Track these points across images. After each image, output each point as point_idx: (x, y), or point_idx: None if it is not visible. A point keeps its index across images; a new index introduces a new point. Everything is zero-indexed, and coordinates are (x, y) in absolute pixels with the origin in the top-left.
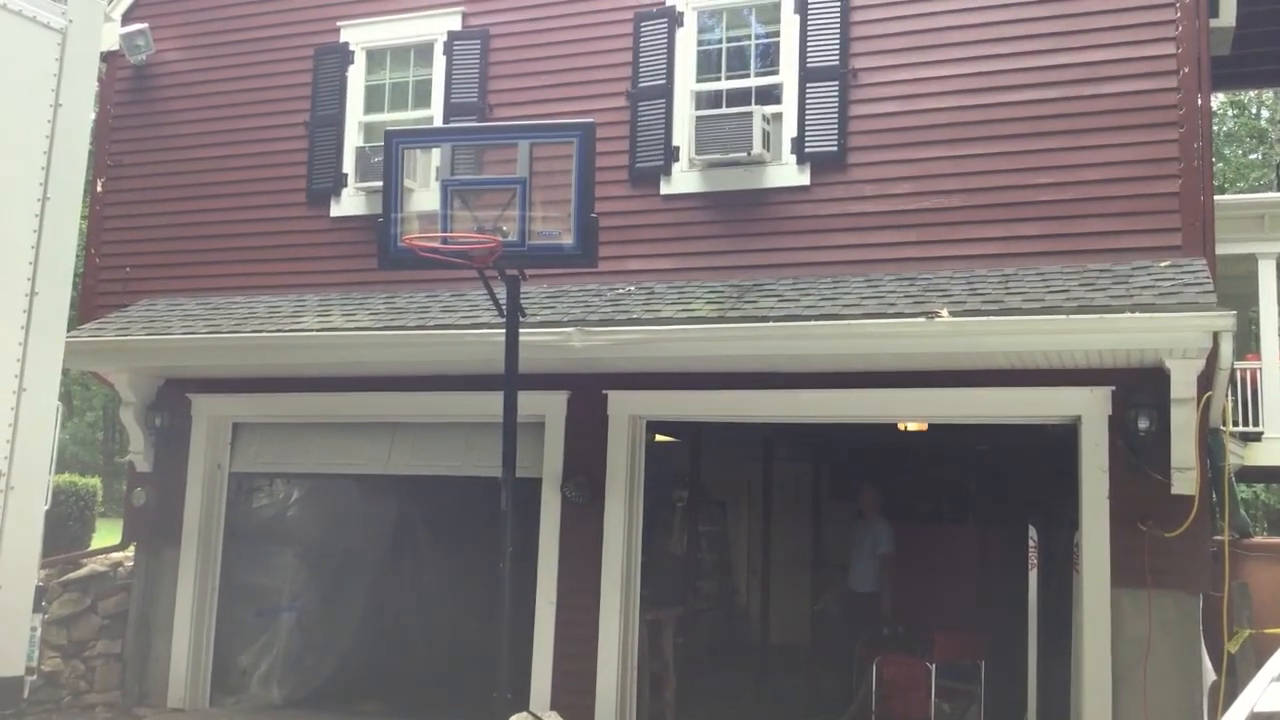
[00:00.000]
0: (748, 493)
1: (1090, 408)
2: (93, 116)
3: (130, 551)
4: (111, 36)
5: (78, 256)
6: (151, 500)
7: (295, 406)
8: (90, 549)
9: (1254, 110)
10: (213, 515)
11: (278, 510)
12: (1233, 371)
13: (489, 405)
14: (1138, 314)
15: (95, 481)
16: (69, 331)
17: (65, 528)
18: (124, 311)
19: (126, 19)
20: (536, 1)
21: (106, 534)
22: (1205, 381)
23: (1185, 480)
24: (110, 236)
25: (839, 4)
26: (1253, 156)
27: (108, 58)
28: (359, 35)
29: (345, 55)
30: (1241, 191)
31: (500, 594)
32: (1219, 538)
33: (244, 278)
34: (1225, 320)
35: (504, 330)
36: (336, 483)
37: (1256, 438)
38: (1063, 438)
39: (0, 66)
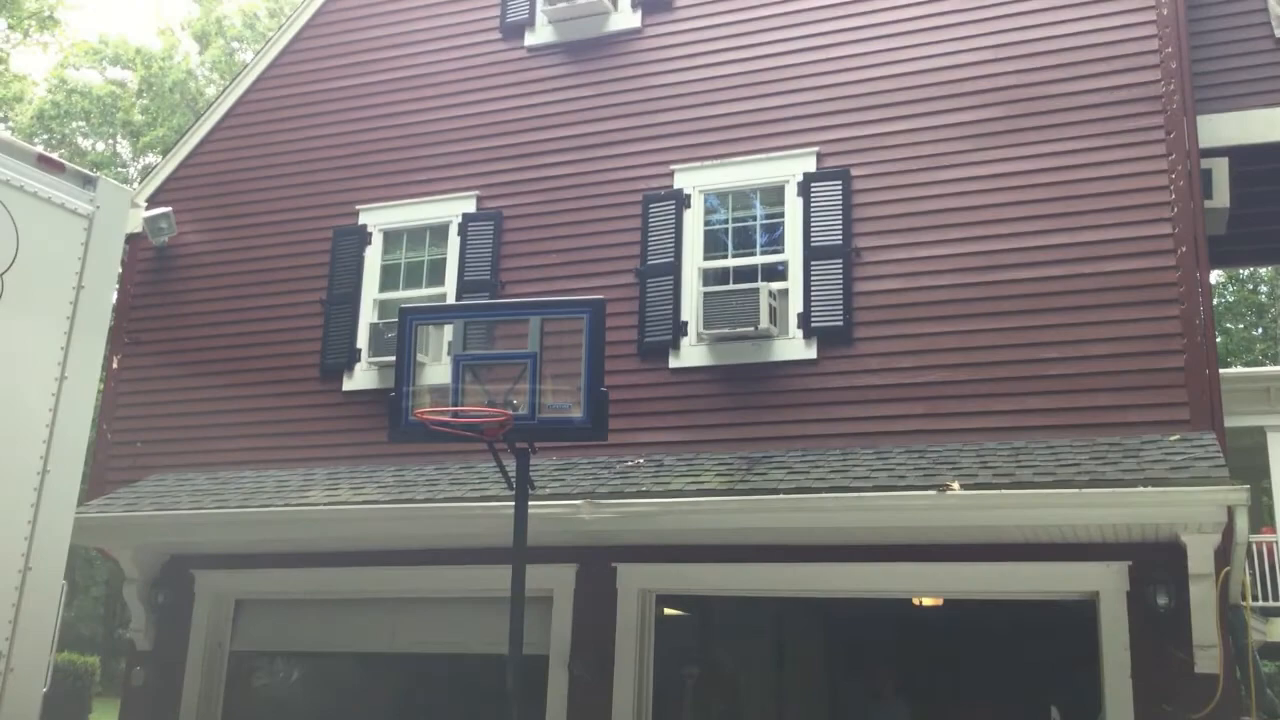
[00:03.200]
0: (760, 669)
1: (1108, 583)
2: (114, 297)
3: None
4: (136, 219)
5: (90, 432)
6: (150, 680)
7: (300, 583)
8: None
9: (1251, 286)
10: (212, 697)
11: (278, 691)
12: (1249, 545)
13: (496, 580)
14: (1151, 488)
15: (94, 660)
16: (77, 507)
17: (61, 709)
18: (133, 486)
19: (152, 202)
20: (549, 185)
21: (103, 715)
22: (1222, 556)
23: (1208, 658)
24: (123, 412)
25: (840, 186)
26: (1256, 332)
27: (130, 239)
28: (377, 218)
29: (363, 236)
30: (1245, 365)
31: None
32: (1246, 718)
33: (255, 452)
34: (1238, 494)
35: (513, 503)
36: (339, 662)
37: (1277, 613)
38: (1082, 613)
39: (27, 251)
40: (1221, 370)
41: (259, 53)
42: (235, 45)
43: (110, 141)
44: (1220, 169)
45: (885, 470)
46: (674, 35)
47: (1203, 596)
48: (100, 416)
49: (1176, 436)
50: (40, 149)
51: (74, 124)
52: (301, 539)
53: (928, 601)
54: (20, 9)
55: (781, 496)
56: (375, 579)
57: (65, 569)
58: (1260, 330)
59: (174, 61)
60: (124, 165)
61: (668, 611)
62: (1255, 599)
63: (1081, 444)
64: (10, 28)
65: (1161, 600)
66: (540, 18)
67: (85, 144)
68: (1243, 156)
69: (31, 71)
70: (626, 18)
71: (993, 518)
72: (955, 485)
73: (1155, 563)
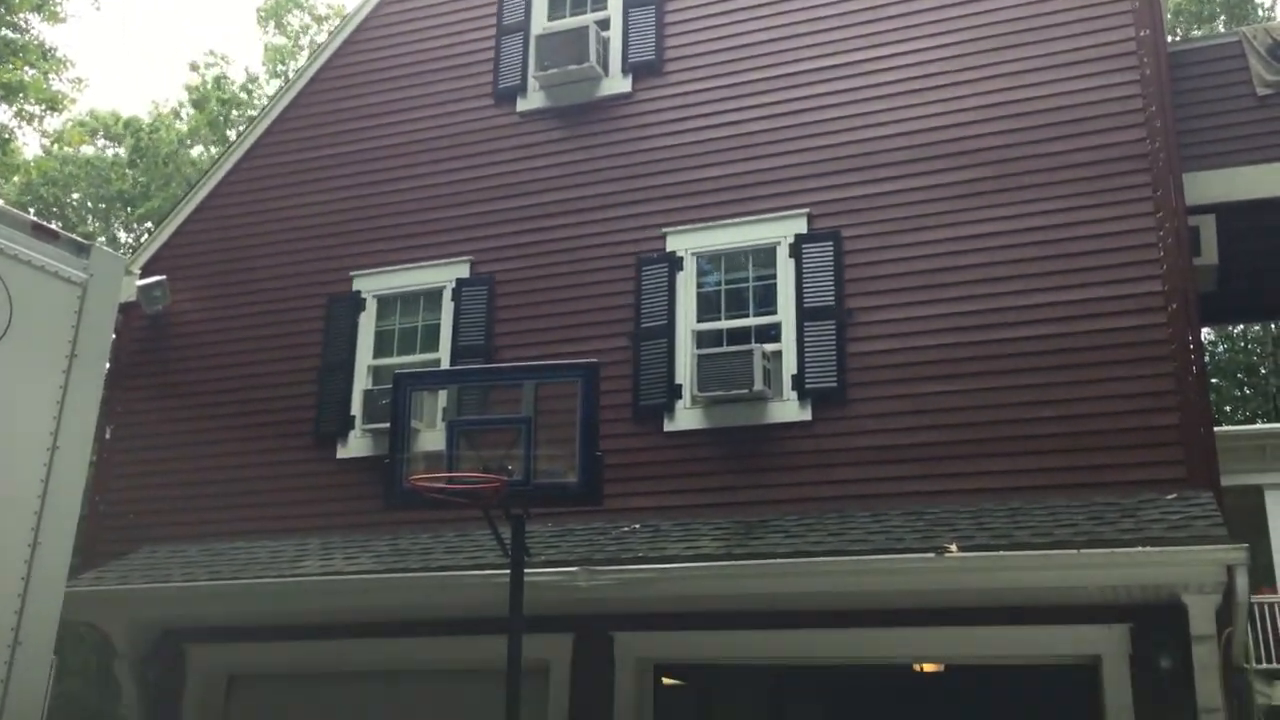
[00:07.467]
0: None
1: (1109, 646)
2: (107, 366)
3: None
4: (130, 288)
5: (82, 503)
6: None
7: (294, 657)
8: None
9: (1244, 344)
10: None
11: None
12: (1250, 607)
13: (492, 650)
14: (1149, 548)
15: None
16: (67, 581)
17: None
18: (125, 559)
19: (146, 271)
20: (542, 250)
21: None
22: (1224, 617)
23: None
24: (116, 484)
25: (831, 247)
26: (1247, 391)
27: (124, 308)
28: (371, 284)
29: (357, 303)
30: (1237, 423)
31: None
32: None
33: (248, 522)
34: (1238, 553)
35: (508, 571)
36: None
37: None
38: (1085, 678)
39: (20, 319)
40: (1217, 429)
41: (253, 122)
42: (235, 107)
43: (102, 210)
44: (1208, 226)
45: (882, 533)
46: (664, 99)
47: (1206, 658)
48: (92, 488)
49: (1173, 496)
50: (34, 217)
51: (67, 195)
52: (294, 610)
53: (929, 668)
54: (30, 93)
55: (779, 561)
56: (370, 652)
57: (55, 644)
58: (1250, 390)
59: (163, 134)
60: (116, 229)
61: (665, 680)
62: (1258, 661)
63: (1078, 504)
64: (17, 115)
65: (1164, 663)
66: (532, 83)
67: (75, 217)
68: (1230, 213)
69: (28, 146)
70: (617, 83)
71: (991, 580)
72: (953, 547)
73: (1156, 625)
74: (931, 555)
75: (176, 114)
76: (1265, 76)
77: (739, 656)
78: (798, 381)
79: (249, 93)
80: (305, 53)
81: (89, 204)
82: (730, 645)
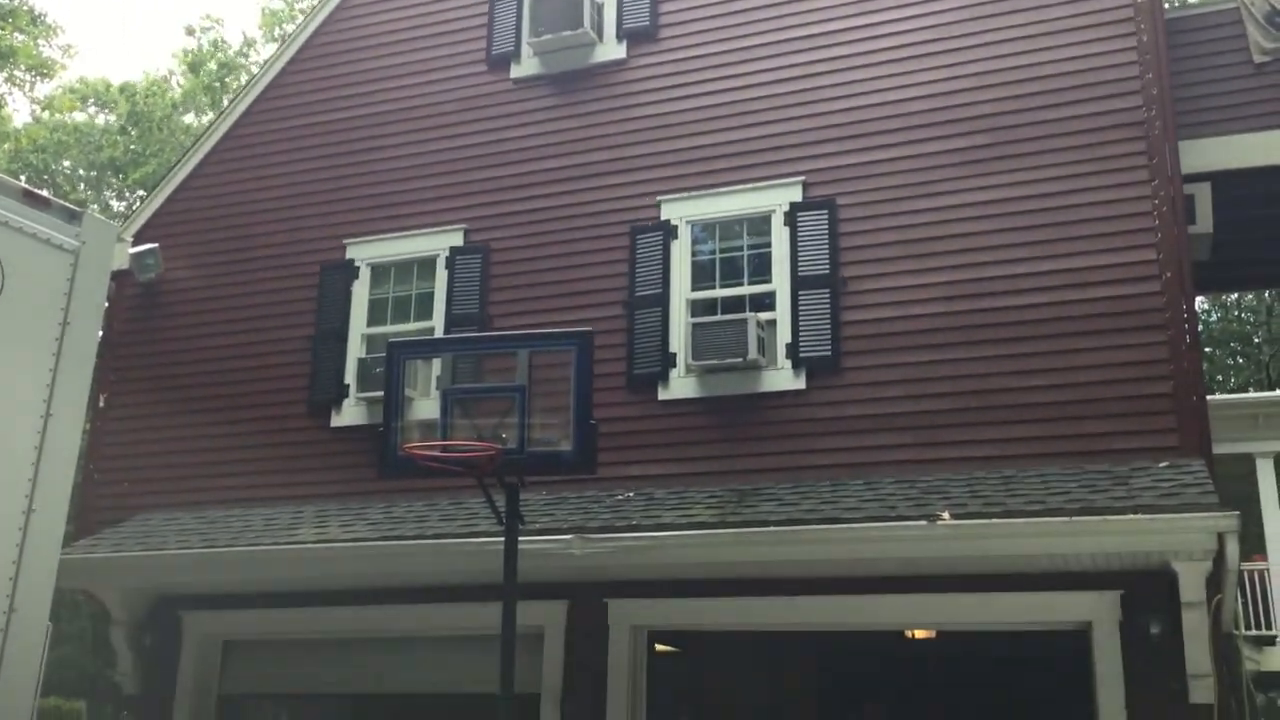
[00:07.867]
0: (753, 707)
1: (1100, 613)
2: (99, 334)
3: None
4: (122, 256)
5: (76, 471)
6: None
7: (289, 623)
8: None
9: (1236, 313)
10: None
11: None
12: (1240, 573)
13: (487, 617)
14: (1141, 515)
15: (79, 705)
16: (62, 548)
17: None
18: (119, 527)
19: (138, 238)
20: (536, 218)
21: None
22: (1214, 584)
23: (1203, 688)
24: (109, 451)
25: (826, 216)
26: (1240, 360)
27: (117, 276)
28: (364, 252)
29: (350, 271)
30: (1229, 392)
31: None
32: None
33: (243, 490)
34: (1229, 521)
35: (503, 538)
36: (329, 704)
37: (1270, 641)
38: (1076, 644)
39: (12, 286)
40: (1209, 397)
41: (245, 88)
42: (231, 71)
43: (93, 177)
44: (1203, 194)
45: (875, 501)
46: (659, 66)
47: (1195, 625)
48: (86, 456)
49: (1166, 464)
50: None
51: (58, 162)
52: (290, 578)
53: (920, 634)
54: (20, 58)
55: (772, 529)
56: (365, 618)
57: (50, 611)
58: (1243, 360)
59: (157, 99)
60: (108, 196)
61: (659, 648)
62: (1247, 627)
63: (1070, 472)
64: (7, 80)
65: (1154, 629)
66: (526, 50)
67: (66, 184)
68: (1225, 181)
69: (18, 113)
70: (612, 49)
71: (984, 547)
72: (946, 515)
73: (1147, 592)
74: (924, 523)
75: (167, 81)
76: (1263, 44)
77: (732, 623)
78: (792, 350)
79: (245, 57)
80: (303, 17)
81: (80, 171)
82: (723, 612)
